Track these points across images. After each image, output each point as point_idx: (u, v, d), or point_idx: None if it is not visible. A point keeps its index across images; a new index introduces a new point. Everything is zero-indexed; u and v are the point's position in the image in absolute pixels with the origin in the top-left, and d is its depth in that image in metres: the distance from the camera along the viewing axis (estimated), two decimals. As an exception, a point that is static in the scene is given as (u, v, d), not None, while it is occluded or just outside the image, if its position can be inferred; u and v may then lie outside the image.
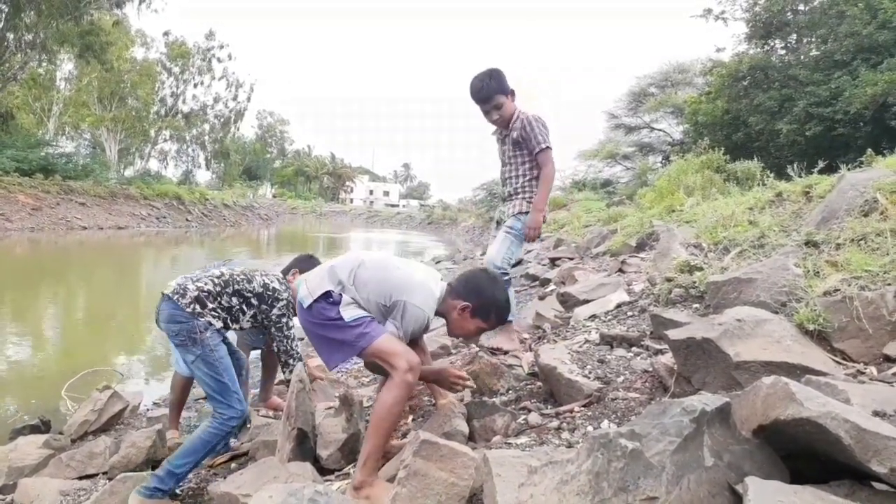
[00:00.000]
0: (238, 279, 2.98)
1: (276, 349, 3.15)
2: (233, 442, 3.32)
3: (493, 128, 3.70)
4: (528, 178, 3.58)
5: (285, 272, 3.52)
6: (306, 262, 3.57)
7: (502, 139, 3.65)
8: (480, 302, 2.31)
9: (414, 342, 2.42)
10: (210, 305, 2.84)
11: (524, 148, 3.54)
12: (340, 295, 2.29)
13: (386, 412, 2.12)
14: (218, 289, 2.89)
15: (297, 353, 3.16)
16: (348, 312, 2.26)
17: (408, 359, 2.15)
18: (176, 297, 2.80)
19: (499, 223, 3.74)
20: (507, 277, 3.39)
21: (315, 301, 2.29)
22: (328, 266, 2.43)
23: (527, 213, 3.54)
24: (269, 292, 3.03)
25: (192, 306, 2.79)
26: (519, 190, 3.61)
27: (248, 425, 3.59)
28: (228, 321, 2.94)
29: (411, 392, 2.21)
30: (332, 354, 2.33)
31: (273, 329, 3.07)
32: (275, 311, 3.04)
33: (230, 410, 2.80)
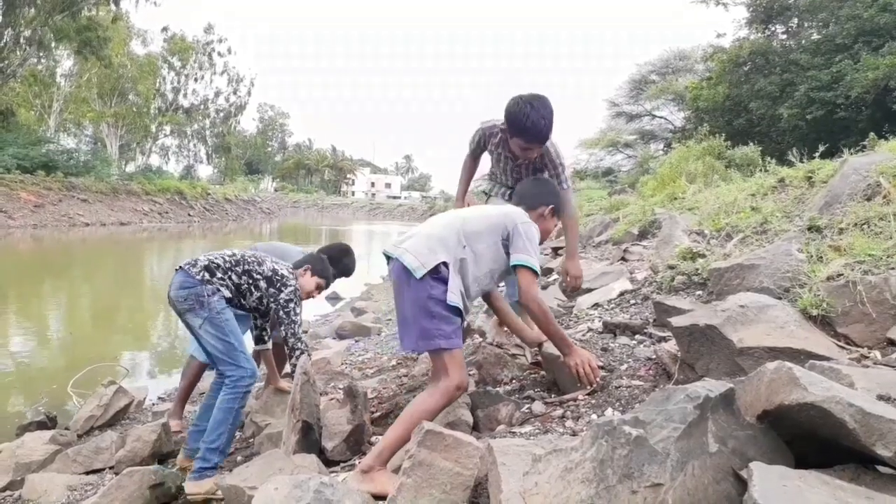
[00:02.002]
0: (249, 260, 3.07)
1: (283, 333, 3.16)
2: None
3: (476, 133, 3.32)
4: None
5: (297, 266, 3.38)
6: (319, 263, 3.46)
7: (517, 165, 3.23)
8: (558, 199, 2.60)
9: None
10: (219, 275, 2.96)
11: (544, 172, 3.23)
12: (448, 269, 2.26)
13: (421, 412, 2.14)
14: (228, 265, 3.00)
15: (304, 341, 3.18)
16: (453, 297, 2.23)
17: (461, 377, 2.21)
18: (187, 266, 2.94)
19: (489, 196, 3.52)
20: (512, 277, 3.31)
21: (427, 273, 2.22)
22: (429, 234, 2.34)
23: None
24: (277, 277, 3.10)
25: (201, 273, 2.91)
26: None
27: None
28: (237, 297, 3.02)
29: (449, 405, 2.27)
30: (417, 341, 2.28)
31: (281, 312, 3.10)
32: (283, 294, 3.09)
33: (238, 370, 2.89)
